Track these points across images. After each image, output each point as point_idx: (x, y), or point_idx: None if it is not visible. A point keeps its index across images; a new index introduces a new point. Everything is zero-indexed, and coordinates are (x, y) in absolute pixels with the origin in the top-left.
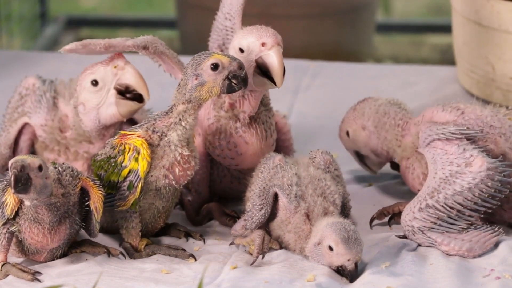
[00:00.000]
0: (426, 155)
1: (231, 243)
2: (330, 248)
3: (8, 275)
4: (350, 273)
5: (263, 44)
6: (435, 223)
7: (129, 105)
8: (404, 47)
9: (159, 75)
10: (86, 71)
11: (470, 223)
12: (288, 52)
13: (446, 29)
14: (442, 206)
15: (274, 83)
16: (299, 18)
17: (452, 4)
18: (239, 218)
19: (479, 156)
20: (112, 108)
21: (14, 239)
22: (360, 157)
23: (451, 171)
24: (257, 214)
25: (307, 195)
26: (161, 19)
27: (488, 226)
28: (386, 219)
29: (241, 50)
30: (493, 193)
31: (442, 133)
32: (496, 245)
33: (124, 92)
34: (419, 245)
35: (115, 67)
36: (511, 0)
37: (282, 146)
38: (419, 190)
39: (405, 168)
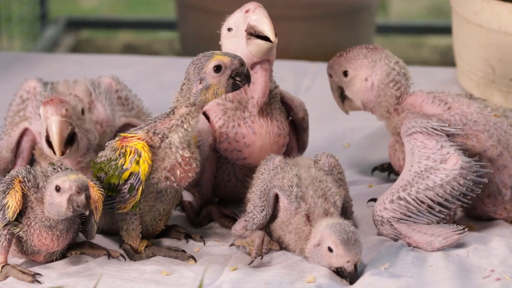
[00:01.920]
0: (406, 145)
1: (231, 245)
2: (330, 250)
3: (8, 277)
4: (350, 275)
5: (247, 11)
6: (404, 215)
7: (50, 153)
8: (404, 49)
9: (160, 77)
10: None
11: (439, 219)
12: (289, 53)
13: (446, 30)
14: (413, 199)
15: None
16: (299, 20)
17: (452, 5)
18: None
19: (455, 154)
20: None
21: (13, 239)
22: (342, 93)
23: (427, 166)
24: (258, 216)
25: (307, 196)
26: (161, 21)
27: (454, 225)
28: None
29: (229, 29)
30: (465, 192)
31: (425, 127)
32: (496, 245)
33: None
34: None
35: (46, 112)
36: (511, 2)
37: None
38: (399, 171)
39: (390, 146)
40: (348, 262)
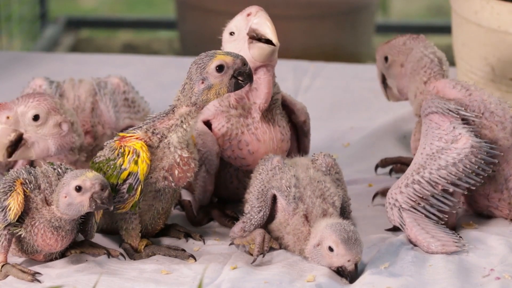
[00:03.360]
0: (422, 126)
1: (231, 243)
2: (330, 249)
3: (8, 276)
4: (350, 274)
5: (248, 15)
6: (419, 203)
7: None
8: None
9: (160, 76)
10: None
11: (453, 204)
12: (288, 53)
13: (445, 30)
14: (427, 181)
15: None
16: (299, 19)
17: (451, 5)
18: (238, 219)
19: (466, 134)
20: None
21: (13, 239)
22: (384, 80)
23: (438, 147)
24: (255, 216)
25: (305, 197)
26: (161, 20)
27: (458, 235)
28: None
29: (232, 33)
30: (477, 170)
31: (441, 108)
32: (496, 244)
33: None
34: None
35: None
36: (511, 1)
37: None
38: (413, 154)
39: (414, 128)
40: (349, 261)
